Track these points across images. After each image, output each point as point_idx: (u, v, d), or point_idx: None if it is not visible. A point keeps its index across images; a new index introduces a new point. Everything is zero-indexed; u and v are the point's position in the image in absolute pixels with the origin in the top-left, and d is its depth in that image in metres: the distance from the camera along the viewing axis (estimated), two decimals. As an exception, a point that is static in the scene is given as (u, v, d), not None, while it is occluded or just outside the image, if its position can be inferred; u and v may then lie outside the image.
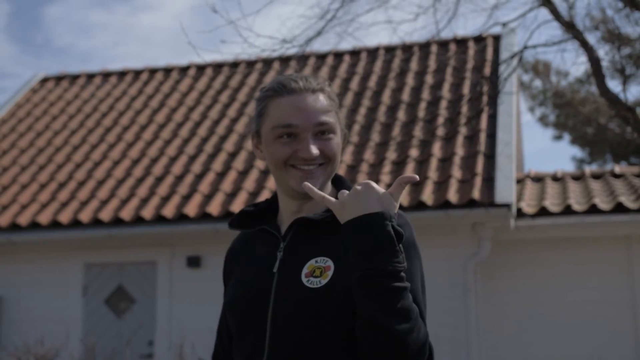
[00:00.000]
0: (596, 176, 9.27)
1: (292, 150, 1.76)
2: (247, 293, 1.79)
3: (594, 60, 7.15)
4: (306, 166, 1.76)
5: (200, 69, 12.39)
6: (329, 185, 1.85)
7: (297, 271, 1.72)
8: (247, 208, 1.91)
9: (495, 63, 10.27)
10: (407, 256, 1.68)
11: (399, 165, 8.60)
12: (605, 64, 8.45)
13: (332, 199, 1.65)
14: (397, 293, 1.56)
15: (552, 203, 8.21)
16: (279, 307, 1.71)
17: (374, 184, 1.62)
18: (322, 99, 1.79)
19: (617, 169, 9.31)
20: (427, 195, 7.85)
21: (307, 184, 1.67)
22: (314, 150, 1.74)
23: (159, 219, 8.51)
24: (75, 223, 8.76)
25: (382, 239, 1.56)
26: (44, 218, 8.92)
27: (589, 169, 9.62)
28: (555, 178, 9.38)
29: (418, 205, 7.76)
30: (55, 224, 8.82)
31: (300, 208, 1.82)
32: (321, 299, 1.66)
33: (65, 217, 8.85)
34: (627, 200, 7.92)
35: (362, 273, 1.57)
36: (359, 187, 1.61)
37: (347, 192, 1.63)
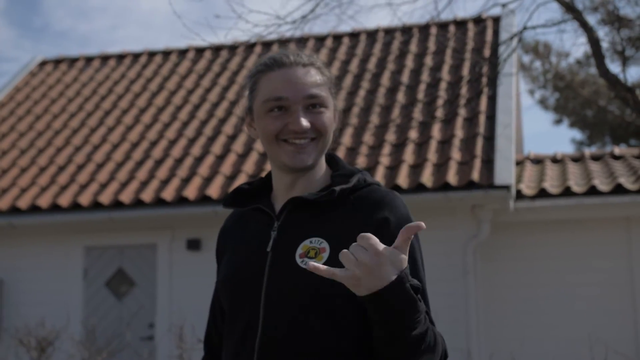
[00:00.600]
0: (596, 158, 9.27)
1: (282, 124, 1.75)
2: (240, 272, 1.78)
3: (594, 41, 7.12)
4: (297, 140, 1.75)
5: (199, 51, 12.35)
6: (323, 164, 1.84)
7: (292, 251, 1.72)
8: (241, 186, 1.91)
9: (495, 44, 10.23)
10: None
11: (399, 147, 8.60)
12: (605, 45, 8.43)
13: (345, 273, 1.50)
14: (421, 338, 1.57)
15: (551, 185, 8.22)
16: (272, 287, 1.71)
17: (377, 246, 1.49)
18: (313, 73, 1.78)
19: (617, 150, 9.31)
20: (427, 177, 7.85)
21: (312, 264, 1.51)
22: (304, 122, 1.73)
23: (159, 201, 8.52)
24: (75, 206, 8.77)
25: (404, 303, 1.52)
26: (44, 201, 8.93)
27: (588, 150, 9.62)
28: (554, 160, 9.38)
29: (417, 187, 7.77)
30: (55, 207, 8.83)
31: (294, 182, 1.81)
32: (316, 281, 1.64)
33: (65, 200, 8.86)
34: (626, 181, 7.92)
35: (387, 336, 1.56)
36: (366, 259, 1.48)
37: (350, 256, 1.50)
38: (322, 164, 1.83)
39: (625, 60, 8.92)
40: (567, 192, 7.96)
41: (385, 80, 10.18)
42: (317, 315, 1.66)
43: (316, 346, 1.66)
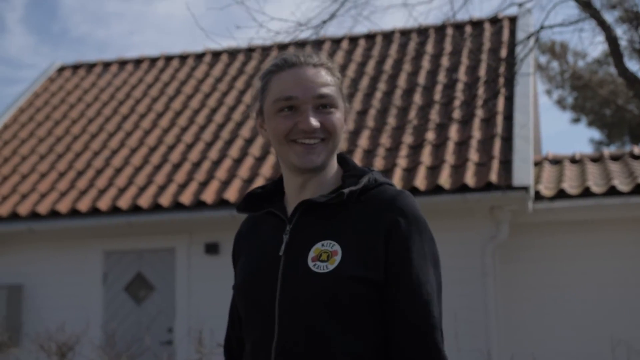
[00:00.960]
0: (615, 158, 9.19)
1: (292, 123, 1.74)
2: (253, 277, 1.78)
3: (612, 40, 7.06)
4: (307, 140, 1.74)
5: (216, 55, 12.39)
6: (334, 164, 1.83)
7: (304, 254, 1.71)
8: (254, 190, 1.90)
9: (512, 44, 10.18)
10: (411, 241, 1.69)
11: (416, 149, 8.57)
12: (623, 43, 8.36)
13: None
14: None
15: (570, 185, 8.16)
16: (286, 291, 1.70)
17: None
18: (323, 74, 1.77)
19: (637, 150, 9.22)
20: (444, 179, 7.82)
21: None
22: (314, 122, 1.72)
23: (177, 206, 8.54)
24: (94, 211, 8.81)
25: None
26: (63, 206, 8.99)
27: (607, 150, 9.53)
28: (573, 160, 9.31)
29: (435, 189, 7.74)
30: (74, 212, 8.88)
31: (304, 184, 1.79)
32: (328, 283, 1.65)
33: (84, 205, 8.91)
34: (646, 181, 7.84)
35: None
36: None
37: None
38: (333, 165, 1.82)
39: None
40: (586, 193, 7.90)
41: (402, 81, 10.16)
42: (332, 319, 1.66)
43: (331, 350, 1.65)
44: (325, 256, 1.69)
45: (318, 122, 1.73)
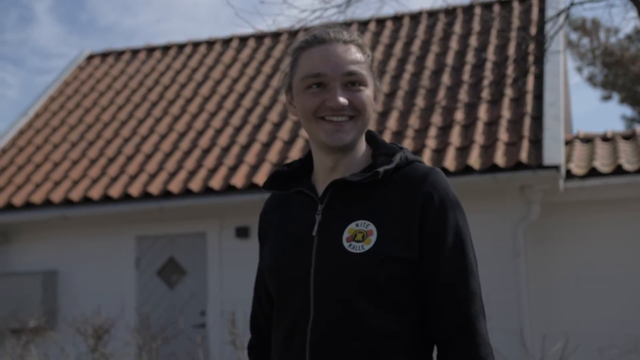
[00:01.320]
0: (648, 135, 9.05)
1: (320, 101, 1.72)
2: (287, 258, 1.77)
3: (644, 15, 6.93)
4: (335, 117, 1.72)
5: (243, 40, 12.40)
6: (363, 143, 1.81)
7: (338, 235, 1.70)
8: (280, 168, 1.88)
9: (541, 22, 10.05)
10: (446, 219, 1.69)
11: (445, 130, 8.53)
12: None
13: None
14: None
15: (602, 163, 8.06)
16: (321, 272, 1.69)
17: None
18: (353, 51, 1.75)
19: (670, 126, 9.08)
20: (474, 159, 7.77)
21: None
22: (342, 99, 1.71)
23: (207, 190, 8.60)
24: (126, 197, 8.91)
25: None
26: (95, 193, 9.09)
27: (640, 127, 9.40)
28: (605, 138, 9.19)
29: (465, 170, 7.70)
30: (106, 199, 8.98)
31: (336, 164, 1.77)
32: (365, 264, 1.65)
33: (115, 191, 9.01)
34: (680, 158, 7.73)
35: None
36: None
37: None
38: (362, 144, 1.80)
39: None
40: (618, 171, 7.80)
41: (430, 62, 10.09)
42: (368, 298, 1.65)
43: (369, 328, 1.65)
44: (361, 236, 1.68)
45: (346, 100, 1.71)
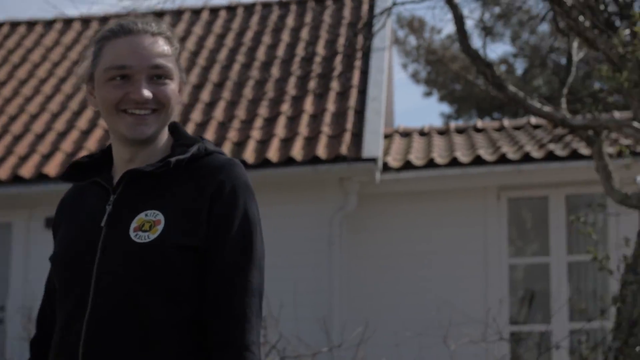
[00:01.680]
0: (460, 131, 9.67)
1: (123, 93, 1.71)
2: (71, 248, 1.77)
3: (458, 18, 7.42)
4: (138, 110, 1.71)
5: (67, 22, 11.79)
6: (166, 133, 1.81)
7: (126, 225, 1.69)
8: (80, 159, 1.85)
9: (370, 18, 10.47)
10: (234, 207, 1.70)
11: (270, 121, 8.71)
12: (472, 22, 8.79)
13: None
14: None
15: (416, 157, 8.53)
16: (104, 262, 1.69)
17: None
18: (161, 43, 1.74)
19: (480, 123, 9.76)
20: (297, 150, 7.99)
21: None
22: (146, 92, 1.70)
23: (16, 179, 8.20)
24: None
25: None
26: None
27: (454, 123, 10.03)
28: (422, 133, 9.73)
29: (287, 161, 7.89)
30: None
31: (133, 156, 1.77)
32: (148, 253, 1.66)
33: None
34: (485, 153, 8.32)
35: None
36: None
37: None
38: (164, 135, 1.80)
39: (486, 36, 9.36)
40: (430, 164, 8.28)
41: (261, 54, 10.25)
42: (150, 289, 1.66)
43: (147, 318, 1.65)
44: (148, 226, 1.68)
45: (151, 93, 1.71)
